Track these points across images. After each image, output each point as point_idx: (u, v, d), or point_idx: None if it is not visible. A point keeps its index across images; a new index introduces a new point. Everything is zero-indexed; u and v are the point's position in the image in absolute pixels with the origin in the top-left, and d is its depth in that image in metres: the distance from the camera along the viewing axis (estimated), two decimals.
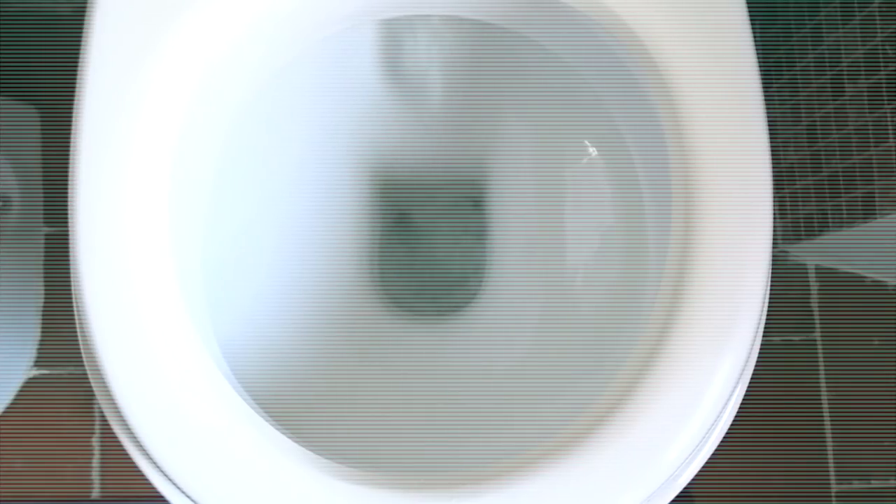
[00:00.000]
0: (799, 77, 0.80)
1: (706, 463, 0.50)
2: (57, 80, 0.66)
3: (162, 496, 0.50)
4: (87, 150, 0.48)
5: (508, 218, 0.72)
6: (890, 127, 0.65)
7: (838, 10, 0.72)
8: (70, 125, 0.49)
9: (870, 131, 0.68)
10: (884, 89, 0.66)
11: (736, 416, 0.52)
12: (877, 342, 0.91)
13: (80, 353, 0.50)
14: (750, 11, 0.51)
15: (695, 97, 0.49)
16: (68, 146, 0.49)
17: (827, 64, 0.74)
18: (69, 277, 0.48)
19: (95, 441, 0.89)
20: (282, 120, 0.66)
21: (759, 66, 0.50)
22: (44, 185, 0.91)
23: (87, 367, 0.50)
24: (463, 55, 0.65)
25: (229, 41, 0.51)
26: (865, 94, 0.68)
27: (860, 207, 0.71)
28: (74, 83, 0.50)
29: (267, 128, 0.65)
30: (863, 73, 0.69)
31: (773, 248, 0.84)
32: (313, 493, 0.45)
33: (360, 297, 0.71)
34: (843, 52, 0.71)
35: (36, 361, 0.90)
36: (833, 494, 0.90)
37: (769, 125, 0.50)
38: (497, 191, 0.73)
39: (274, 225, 0.67)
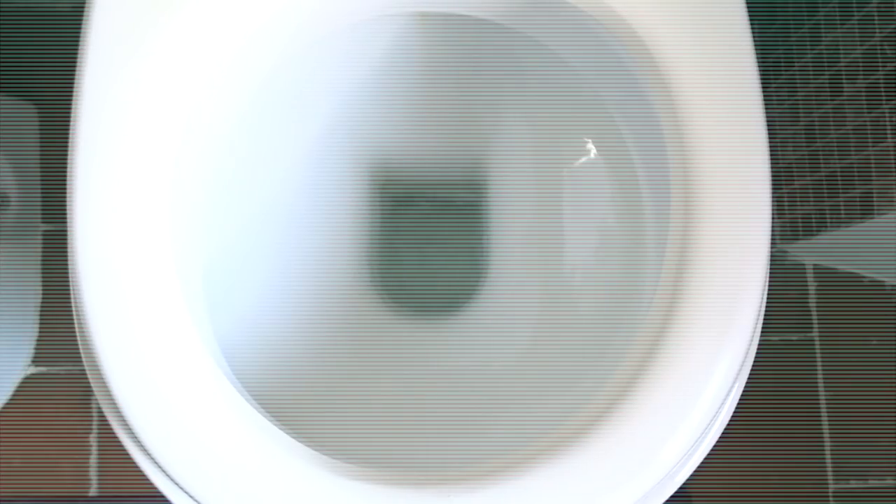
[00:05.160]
0: (797, 77, 0.80)
1: (704, 461, 0.51)
2: (55, 78, 0.66)
3: (161, 494, 0.50)
4: (86, 147, 0.48)
5: (507, 217, 0.72)
6: (888, 126, 0.66)
7: (837, 9, 0.72)
8: (68, 123, 0.49)
9: (868, 131, 0.68)
10: (882, 89, 0.66)
11: (734, 415, 0.52)
12: (875, 341, 0.92)
13: (77, 350, 0.50)
14: (749, 11, 0.52)
15: (694, 96, 0.49)
16: (67, 144, 0.49)
17: (825, 63, 0.74)
18: (67, 275, 0.48)
19: (93, 439, 0.89)
20: (282, 119, 0.66)
21: (758, 66, 0.51)
22: (42, 182, 0.91)
23: (85, 365, 0.50)
24: (463, 53, 0.65)
25: (230, 39, 0.51)
26: (864, 93, 0.69)
27: (858, 207, 0.71)
28: (73, 81, 0.50)
29: (267, 127, 0.65)
30: (861, 72, 0.69)
31: (772, 247, 0.84)
32: (313, 489, 0.45)
33: (360, 296, 0.71)
34: (841, 51, 0.72)
35: (34, 359, 0.90)
36: (830, 493, 0.91)
37: (768, 124, 0.50)
38: (496, 189, 0.73)
39: (274, 224, 0.67)
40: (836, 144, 0.74)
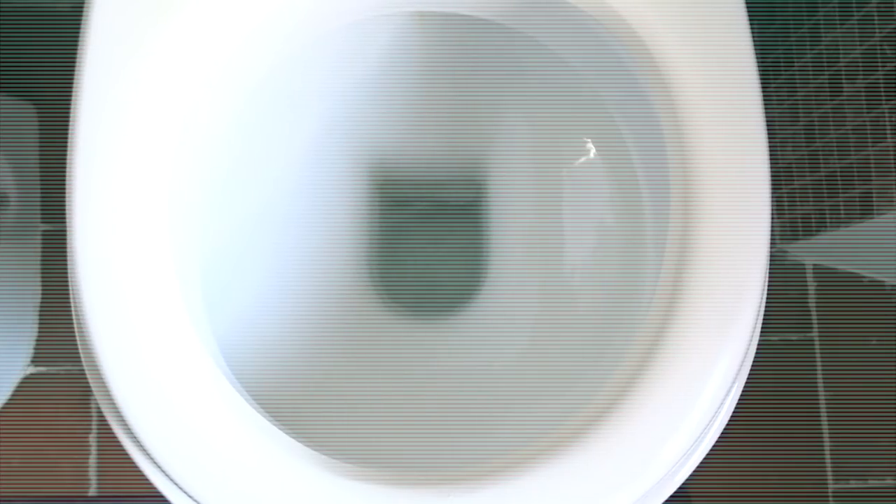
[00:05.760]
0: (797, 76, 0.80)
1: (703, 461, 0.51)
2: (55, 78, 0.66)
3: (160, 494, 0.50)
4: (85, 147, 0.48)
5: (507, 217, 0.72)
6: (887, 126, 0.66)
7: (836, 9, 0.72)
8: (68, 123, 0.49)
9: (867, 130, 0.68)
10: (881, 89, 0.66)
11: (733, 415, 0.52)
12: (874, 341, 0.92)
13: (77, 350, 0.50)
14: (749, 11, 0.52)
15: (694, 96, 0.49)
16: (66, 144, 0.49)
17: (825, 63, 0.74)
18: (66, 275, 0.48)
19: (92, 438, 0.89)
20: (279, 118, 0.66)
21: (758, 66, 0.51)
22: (41, 182, 0.91)
23: (84, 365, 0.50)
24: (463, 53, 0.65)
25: (227, 40, 0.51)
26: (863, 93, 0.69)
27: (858, 206, 0.71)
28: (72, 80, 0.50)
29: (264, 127, 0.65)
30: (861, 72, 0.69)
31: (771, 247, 0.84)
32: (312, 489, 0.45)
33: (359, 296, 0.71)
34: (841, 51, 0.71)
35: (33, 359, 0.90)
36: (830, 493, 0.91)
37: (767, 124, 0.50)
38: (496, 189, 0.73)
39: (272, 223, 0.67)
40: (835, 144, 0.74)
